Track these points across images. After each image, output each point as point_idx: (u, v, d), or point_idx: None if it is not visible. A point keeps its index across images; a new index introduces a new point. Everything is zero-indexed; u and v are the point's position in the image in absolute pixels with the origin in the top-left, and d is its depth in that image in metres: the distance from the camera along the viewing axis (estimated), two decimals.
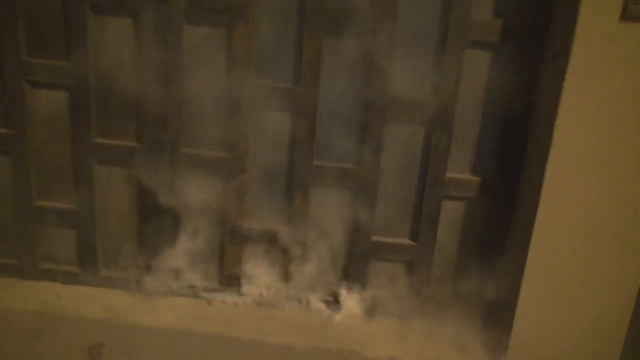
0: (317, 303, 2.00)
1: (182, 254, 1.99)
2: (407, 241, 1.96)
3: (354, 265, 1.99)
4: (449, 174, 1.87)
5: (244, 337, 1.83)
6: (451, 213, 1.92)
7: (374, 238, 1.95)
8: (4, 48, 1.82)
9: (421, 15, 1.74)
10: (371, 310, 1.99)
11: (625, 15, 1.49)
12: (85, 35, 1.79)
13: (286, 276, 2.00)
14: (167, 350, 1.76)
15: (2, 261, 2.05)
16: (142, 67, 1.82)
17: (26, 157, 1.93)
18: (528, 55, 1.72)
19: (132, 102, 1.86)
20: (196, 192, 1.93)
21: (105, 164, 1.95)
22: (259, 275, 2.00)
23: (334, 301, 2.00)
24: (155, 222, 1.97)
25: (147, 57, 1.80)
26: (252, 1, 1.72)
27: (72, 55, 1.82)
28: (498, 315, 1.87)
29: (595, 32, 1.50)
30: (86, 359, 1.67)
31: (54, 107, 1.90)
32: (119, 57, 1.83)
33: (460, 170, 1.87)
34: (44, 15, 1.80)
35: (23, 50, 1.83)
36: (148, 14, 1.76)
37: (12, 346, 1.71)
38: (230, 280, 2.03)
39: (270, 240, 1.97)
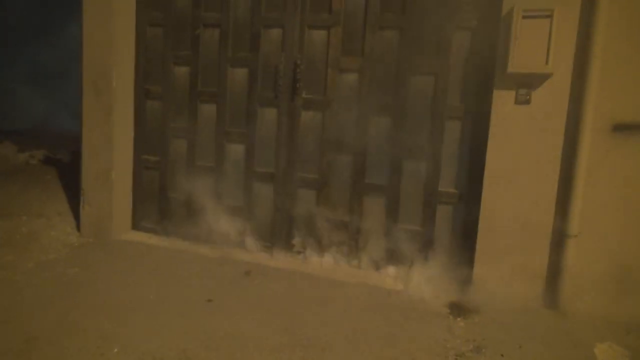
0: (364, 263, 3.49)
1: (297, 233, 3.65)
2: (418, 228, 3.39)
3: (388, 242, 3.45)
4: (440, 189, 3.31)
5: (316, 274, 3.42)
6: (445, 212, 3.33)
7: (400, 225, 3.42)
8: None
9: (419, 103, 3.32)
10: (396, 268, 3.41)
11: (516, 101, 2.92)
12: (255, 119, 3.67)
13: (350, 247, 3.54)
14: (280, 276, 3.36)
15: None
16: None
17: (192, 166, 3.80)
18: (480, 122, 3.17)
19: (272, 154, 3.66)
20: (304, 198, 3.62)
21: (257, 181, 3.73)
22: (339, 245, 3.56)
23: (376, 263, 3.47)
24: (283, 216, 3.67)
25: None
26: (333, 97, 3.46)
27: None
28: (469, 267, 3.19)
29: (503, 109, 2.94)
30: (244, 274, 3.34)
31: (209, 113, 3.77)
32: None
33: (448, 186, 3.31)
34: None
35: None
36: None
37: (209, 264, 3.45)
38: (322, 247, 3.61)
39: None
